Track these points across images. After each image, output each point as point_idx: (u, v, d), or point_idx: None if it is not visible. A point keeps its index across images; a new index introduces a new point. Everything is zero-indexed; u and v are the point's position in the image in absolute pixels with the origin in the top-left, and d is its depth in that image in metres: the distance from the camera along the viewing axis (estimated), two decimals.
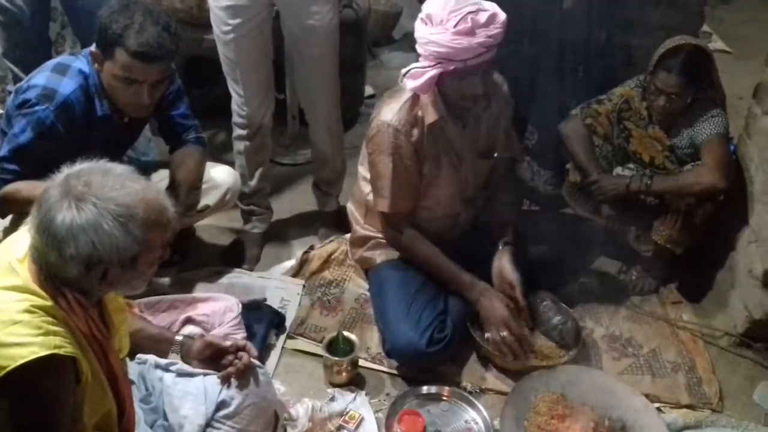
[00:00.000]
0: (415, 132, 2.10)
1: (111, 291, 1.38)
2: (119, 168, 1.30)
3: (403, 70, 2.05)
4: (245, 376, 1.76)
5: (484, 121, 2.22)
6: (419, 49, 1.97)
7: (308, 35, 2.38)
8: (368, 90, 3.84)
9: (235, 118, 2.54)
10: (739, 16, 5.18)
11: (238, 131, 2.57)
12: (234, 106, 2.52)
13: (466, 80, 1.98)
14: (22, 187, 1.91)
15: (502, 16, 1.92)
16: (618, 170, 2.50)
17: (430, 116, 2.09)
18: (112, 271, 1.27)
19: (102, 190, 1.23)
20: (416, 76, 2.00)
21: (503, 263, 2.21)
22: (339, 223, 2.78)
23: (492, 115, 2.23)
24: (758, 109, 2.33)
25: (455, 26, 1.87)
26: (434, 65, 1.95)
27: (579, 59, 2.80)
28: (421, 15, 1.96)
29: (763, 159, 2.26)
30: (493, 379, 2.18)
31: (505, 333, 2.12)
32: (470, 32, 1.87)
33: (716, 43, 4.60)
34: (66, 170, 1.27)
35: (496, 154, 2.29)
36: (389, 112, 2.10)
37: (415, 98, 2.10)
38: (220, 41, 2.38)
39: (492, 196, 2.35)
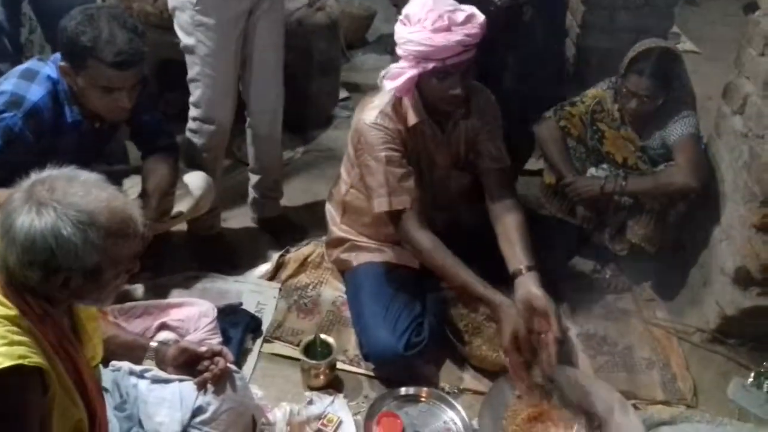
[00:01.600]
0: (402, 130, 2.11)
1: (77, 302, 1.35)
2: (86, 175, 1.28)
3: (383, 72, 2.05)
4: (222, 381, 1.74)
5: (463, 130, 2.22)
6: (398, 50, 1.98)
7: (273, 25, 2.40)
8: (342, 92, 3.84)
9: (207, 139, 2.46)
10: (706, 17, 5.26)
11: (212, 152, 2.50)
12: (208, 127, 2.44)
13: (446, 81, 1.98)
14: None
15: (480, 17, 1.94)
16: (592, 171, 2.52)
17: (412, 119, 2.10)
18: (74, 279, 1.24)
19: (65, 195, 1.21)
20: (395, 76, 2.00)
21: (533, 290, 1.94)
22: (291, 222, 2.79)
23: (473, 126, 2.22)
24: (727, 109, 2.36)
25: (432, 24, 1.89)
26: (413, 65, 1.96)
27: (535, 72, 2.82)
28: (400, 17, 1.98)
29: (732, 158, 2.30)
30: (470, 379, 2.18)
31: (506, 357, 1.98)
32: (447, 29, 1.89)
33: (685, 44, 4.67)
34: (33, 176, 1.25)
35: (484, 166, 2.24)
36: (372, 112, 2.10)
37: (397, 99, 2.10)
38: (216, 59, 2.31)
39: (496, 217, 2.18)
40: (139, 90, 2.06)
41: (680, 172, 2.33)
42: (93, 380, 1.45)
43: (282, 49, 2.50)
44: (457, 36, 1.90)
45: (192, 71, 2.38)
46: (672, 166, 2.37)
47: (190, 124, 2.48)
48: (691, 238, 2.50)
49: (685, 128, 2.39)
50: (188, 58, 2.37)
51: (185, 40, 2.33)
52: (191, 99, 2.44)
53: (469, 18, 1.92)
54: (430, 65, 1.94)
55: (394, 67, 2.01)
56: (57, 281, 1.23)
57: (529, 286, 1.96)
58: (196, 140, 2.48)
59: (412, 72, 1.96)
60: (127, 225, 1.28)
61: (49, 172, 1.26)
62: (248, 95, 2.55)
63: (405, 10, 1.97)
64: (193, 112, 2.46)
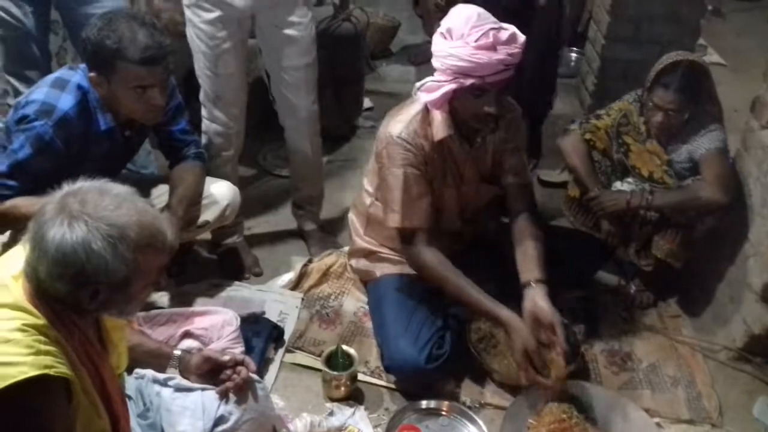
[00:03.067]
0: (425, 146, 2.09)
1: (104, 313, 1.36)
2: (118, 188, 1.29)
3: (418, 83, 2.04)
4: (243, 390, 1.75)
5: (491, 143, 2.21)
6: (436, 63, 1.96)
7: (289, 46, 2.39)
8: (366, 102, 3.85)
9: (215, 139, 2.50)
10: (733, 28, 5.22)
11: (222, 153, 2.53)
12: (215, 127, 2.48)
13: (482, 98, 1.96)
14: (21, 203, 1.90)
15: (522, 37, 1.92)
16: (617, 185, 2.50)
17: (440, 133, 2.07)
18: (102, 292, 1.25)
19: (96, 209, 1.22)
20: (432, 89, 1.99)
21: (539, 303, 2.00)
22: (325, 236, 2.79)
23: (500, 139, 2.21)
24: (755, 123, 2.33)
25: (476, 41, 1.87)
26: (451, 80, 1.94)
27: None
28: (440, 30, 1.96)
29: (761, 172, 2.27)
30: (492, 394, 2.17)
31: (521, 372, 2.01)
32: (491, 48, 1.87)
33: (711, 56, 4.63)
34: (66, 187, 1.26)
35: (506, 181, 2.24)
36: (398, 125, 2.09)
37: (425, 113, 2.09)
38: (207, 58, 2.36)
39: (514, 230, 2.20)
40: (168, 100, 2.08)
41: (708, 186, 2.30)
42: (117, 390, 1.46)
43: (311, 68, 2.48)
44: (500, 55, 1.87)
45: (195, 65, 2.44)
46: (699, 180, 2.34)
47: (202, 124, 2.52)
48: (718, 253, 2.47)
49: (712, 142, 2.36)
50: None
51: (187, 31, 2.38)
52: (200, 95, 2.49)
53: (513, 38, 1.90)
54: (469, 81, 1.91)
55: (430, 80, 2.00)
56: (86, 293, 1.24)
57: (536, 298, 2.01)
58: (207, 139, 2.51)
59: (450, 86, 1.94)
60: (157, 239, 1.28)
61: (81, 183, 1.27)
62: (278, 109, 2.59)
63: (446, 24, 1.94)
64: (202, 110, 2.50)
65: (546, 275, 2.07)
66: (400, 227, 2.12)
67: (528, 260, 2.10)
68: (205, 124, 2.51)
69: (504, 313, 2.00)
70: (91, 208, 1.22)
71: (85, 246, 1.19)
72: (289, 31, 2.37)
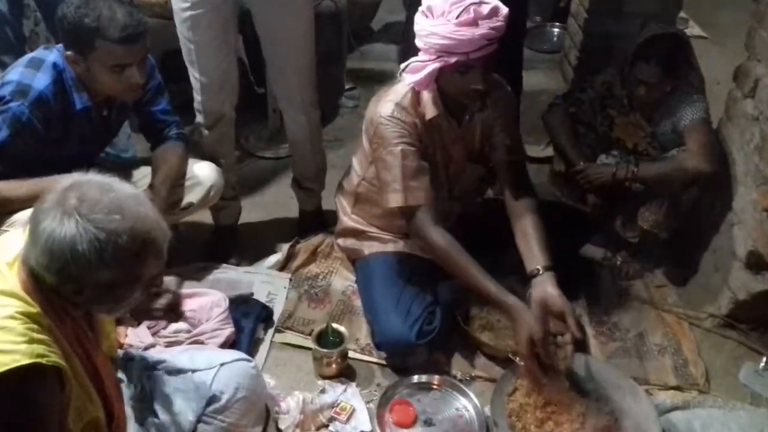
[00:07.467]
0: (418, 123, 2.07)
1: (91, 309, 1.34)
2: (124, 189, 1.25)
3: (403, 65, 2.01)
4: (177, 309, 1.65)
5: (478, 122, 2.19)
6: (419, 43, 1.93)
7: (281, 11, 2.29)
8: (348, 82, 3.82)
9: (195, 104, 2.46)
10: (713, 1, 5.23)
11: (197, 117, 2.48)
12: (193, 92, 2.44)
13: (468, 75, 1.92)
14: (3, 187, 1.87)
15: (504, 9, 1.89)
16: (602, 158, 2.51)
17: (430, 112, 2.05)
18: (87, 290, 1.23)
19: (92, 209, 1.18)
20: (416, 70, 1.96)
21: (549, 291, 1.91)
22: (319, 223, 2.74)
23: (488, 117, 2.19)
24: (738, 93, 2.34)
25: (457, 17, 1.83)
26: (435, 59, 1.91)
27: None
28: (421, 8, 1.93)
29: (744, 141, 2.28)
30: (482, 367, 2.18)
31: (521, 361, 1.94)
32: (473, 23, 1.84)
33: (692, 29, 4.65)
34: (76, 175, 1.23)
35: (498, 158, 2.22)
36: (388, 105, 2.05)
37: (414, 93, 2.07)
38: (178, 18, 2.27)
39: (513, 214, 2.15)
40: (147, 80, 2.04)
41: (692, 157, 2.31)
42: (110, 376, 1.46)
43: (305, 49, 2.39)
44: (482, 30, 1.84)
45: None
46: (683, 151, 2.36)
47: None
48: (702, 223, 2.49)
49: (695, 113, 2.37)
50: None
51: None
52: None
53: (495, 11, 1.87)
54: (453, 59, 1.88)
55: (415, 61, 1.97)
56: (70, 289, 1.22)
57: (545, 286, 1.93)
58: (197, 119, 2.47)
59: (434, 66, 1.91)
60: (150, 248, 1.24)
61: (90, 177, 1.24)
62: (272, 81, 2.55)
63: (426, 1, 1.91)
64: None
65: (552, 261, 1.98)
66: (403, 206, 2.06)
67: (531, 247, 2.03)
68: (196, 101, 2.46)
69: (509, 299, 1.91)
70: (87, 208, 1.18)
71: (71, 246, 1.17)
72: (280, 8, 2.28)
